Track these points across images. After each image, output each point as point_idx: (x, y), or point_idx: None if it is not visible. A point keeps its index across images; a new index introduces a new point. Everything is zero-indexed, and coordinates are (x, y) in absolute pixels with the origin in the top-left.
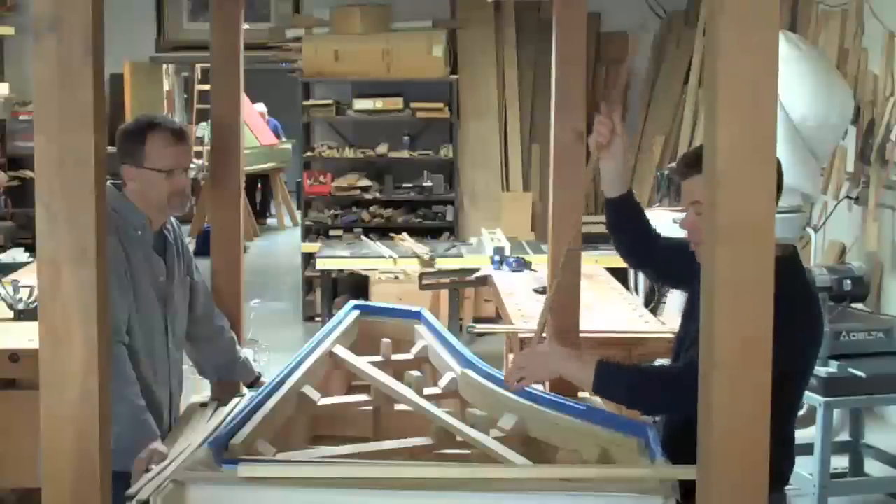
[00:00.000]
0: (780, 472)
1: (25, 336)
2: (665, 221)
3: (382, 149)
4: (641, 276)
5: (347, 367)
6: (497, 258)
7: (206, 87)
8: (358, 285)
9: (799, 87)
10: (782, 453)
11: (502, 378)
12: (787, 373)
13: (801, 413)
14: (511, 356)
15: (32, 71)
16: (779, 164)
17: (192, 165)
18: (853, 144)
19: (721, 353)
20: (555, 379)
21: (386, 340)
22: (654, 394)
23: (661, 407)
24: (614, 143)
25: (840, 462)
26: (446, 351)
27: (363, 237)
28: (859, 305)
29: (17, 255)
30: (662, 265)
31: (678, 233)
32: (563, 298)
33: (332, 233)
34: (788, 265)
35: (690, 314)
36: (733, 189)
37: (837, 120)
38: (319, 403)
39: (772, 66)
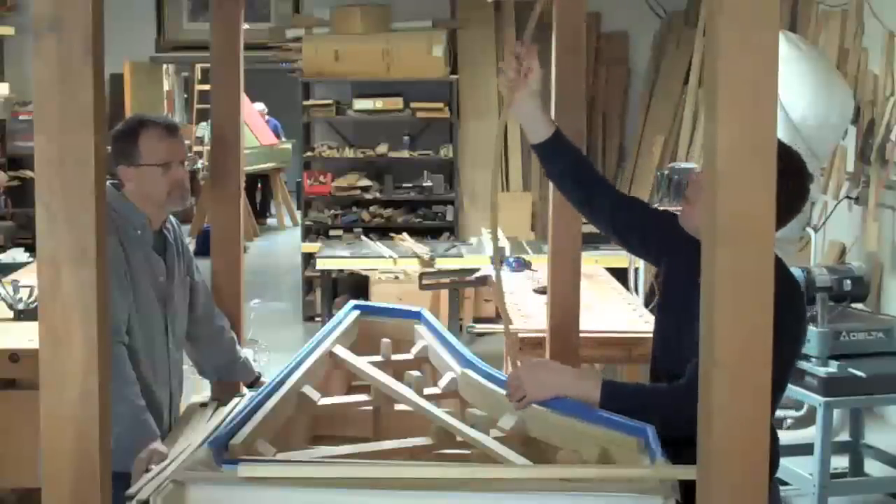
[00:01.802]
0: (773, 462)
1: (25, 336)
2: None
3: (382, 149)
4: (641, 277)
5: (347, 367)
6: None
7: (206, 87)
8: (358, 285)
9: (799, 87)
10: (773, 446)
11: (502, 378)
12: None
13: (801, 413)
14: (508, 358)
15: (32, 71)
16: (799, 156)
17: (187, 158)
18: (853, 144)
19: (721, 353)
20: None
21: (386, 340)
22: (663, 411)
23: (672, 424)
24: (528, 79)
25: (840, 462)
26: (446, 351)
27: (363, 237)
28: (859, 305)
29: (17, 255)
30: (618, 218)
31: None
32: (563, 298)
33: (332, 233)
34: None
35: (666, 307)
36: (733, 189)
37: (837, 120)
38: (319, 403)
39: (772, 66)
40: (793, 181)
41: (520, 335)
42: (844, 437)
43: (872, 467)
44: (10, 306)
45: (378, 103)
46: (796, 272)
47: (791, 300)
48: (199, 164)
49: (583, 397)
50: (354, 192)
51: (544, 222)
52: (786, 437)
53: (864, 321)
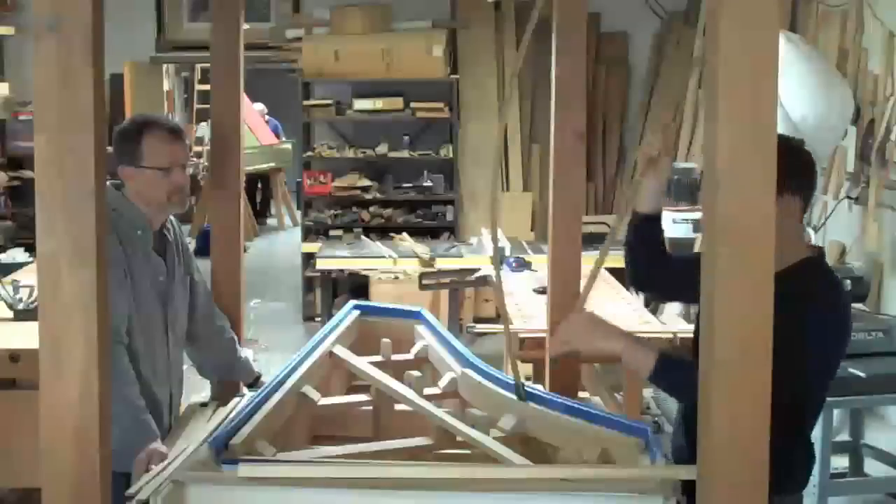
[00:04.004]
0: (802, 473)
1: (25, 336)
2: (665, 221)
3: (382, 149)
4: None
5: (347, 367)
6: None
7: (206, 87)
8: (358, 285)
9: (799, 87)
10: (804, 455)
11: (502, 378)
12: (816, 374)
13: None
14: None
15: (32, 71)
16: (808, 154)
17: (189, 162)
18: (853, 144)
19: (721, 353)
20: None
21: (386, 340)
22: None
23: None
24: (662, 160)
25: (840, 462)
26: (446, 351)
27: (363, 237)
28: (859, 305)
29: (17, 255)
30: (668, 286)
31: (677, 233)
32: (562, 298)
33: (332, 233)
34: (817, 265)
35: None
36: (733, 189)
37: (837, 120)
38: (319, 403)
39: (772, 66)
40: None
41: (520, 335)
42: (844, 437)
43: (872, 467)
44: (10, 306)
45: (378, 103)
46: None
47: (835, 306)
48: (200, 164)
49: (633, 364)
50: (354, 192)
51: (544, 222)
52: None
53: (864, 321)
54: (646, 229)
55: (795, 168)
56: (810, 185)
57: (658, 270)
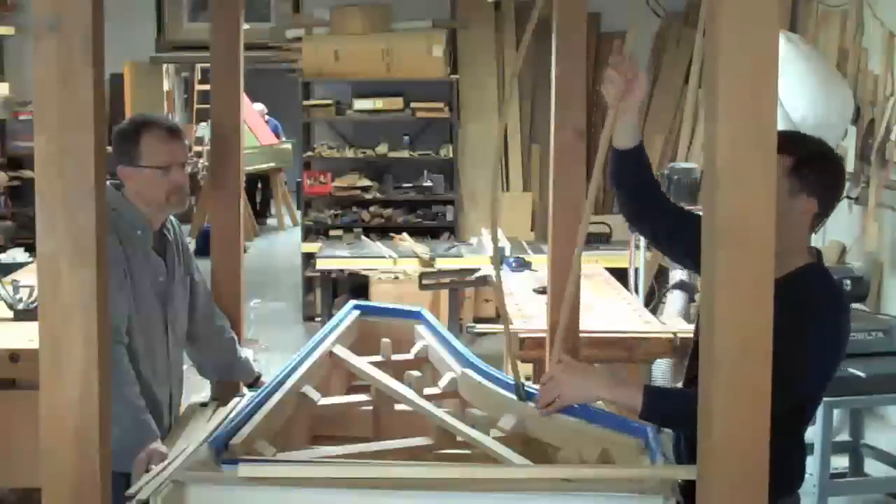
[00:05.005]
0: (800, 472)
1: (25, 336)
2: None
3: (382, 149)
4: (641, 277)
5: (347, 367)
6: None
7: (206, 87)
8: (358, 285)
9: (799, 87)
10: (801, 454)
11: (502, 378)
12: (815, 380)
13: None
14: (508, 358)
15: (32, 71)
16: (840, 164)
17: (188, 161)
18: (853, 144)
19: (721, 353)
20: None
21: (386, 340)
22: None
23: None
24: (633, 87)
25: (840, 462)
26: (446, 351)
27: (363, 237)
28: (859, 305)
29: (17, 255)
30: (663, 229)
31: None
32: (562, 298)
33: (332, 233)
34: (818, 271)
35: None
36: (733, 189)
37: (837, 120)
38: (319, 403)
39: (772, 66)
40: (818, 166)
41: (520, 335)
42: (844, 437)
43: (872, 467)
44: (10, 306)
45: (378, 103)
46: None
47: (837, 312)
48: (200, 164)
49: (622, 403)
50: (354, 192)
51: (544, 222)
52: None
53: (864, 321)
54: (627, 160)
55: (823, 174)
56: (832, 195)
57: (649, 203)
